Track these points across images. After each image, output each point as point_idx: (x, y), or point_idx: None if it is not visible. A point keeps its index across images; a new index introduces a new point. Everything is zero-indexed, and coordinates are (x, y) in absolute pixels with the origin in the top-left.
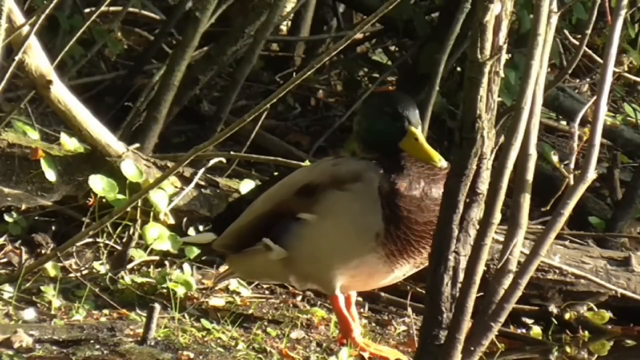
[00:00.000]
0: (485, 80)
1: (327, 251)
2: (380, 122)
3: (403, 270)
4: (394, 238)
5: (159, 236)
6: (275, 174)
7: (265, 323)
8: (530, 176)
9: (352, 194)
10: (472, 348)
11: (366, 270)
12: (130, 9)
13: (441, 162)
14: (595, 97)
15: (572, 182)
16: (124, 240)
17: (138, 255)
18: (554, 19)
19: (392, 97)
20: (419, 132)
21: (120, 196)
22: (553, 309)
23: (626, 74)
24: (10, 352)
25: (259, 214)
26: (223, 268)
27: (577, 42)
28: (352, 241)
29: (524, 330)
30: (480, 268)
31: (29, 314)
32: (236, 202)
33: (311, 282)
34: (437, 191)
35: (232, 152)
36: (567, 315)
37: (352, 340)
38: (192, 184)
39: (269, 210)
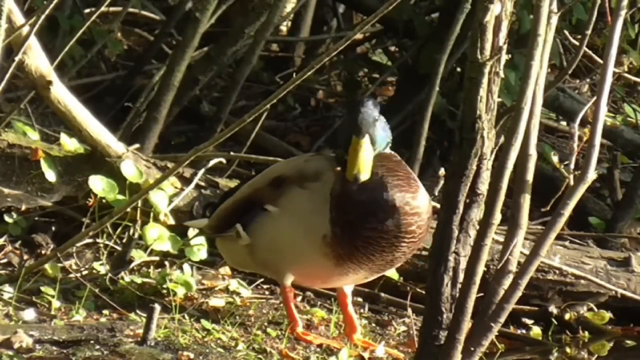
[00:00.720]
0: (485, 80)
1: (281, 245)
2: (343, 125)
3: (361, 273)
4: (340, 242)
5: (159, 237)
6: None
7: (265, 323)
8: (530, 177)
9: (309, 193)
10: (472, 348)
11: (317, 270)
12: (130, 10)
13: (357, 176)
14: (595, 98)
15: (572, 183)
16: (124, 240)
17: (138, 256)
18: (554, 20)
19: (360, 102)
20: (362, 143)
21: (120, 197)
22: (553, 309)
23: (626, 75)
24: (10, 353)
25: (237, 199)
26: (223, 268)
27: (577, 43)
28: (302, 240)
29: (524, 331)
30: (480, 268)
31: (29, 314)
32: (231, 189)
33: (269, 271)
34: (395, 198)
35: (232, 153)
36: (567, 316)
37: (295, 334)
38: (192, 185)
39: (246, 197)
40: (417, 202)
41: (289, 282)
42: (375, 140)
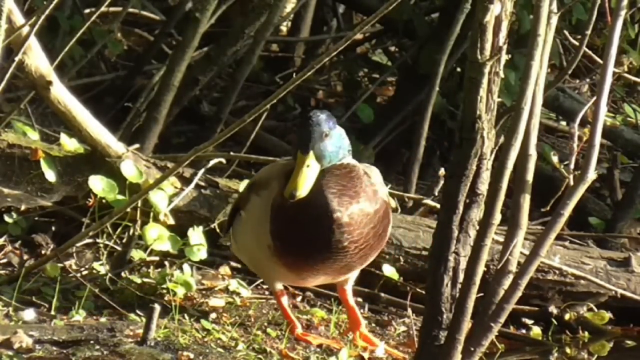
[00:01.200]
0: (485, 80)
1: (246, 250)
2: (294, 139)
3: (318, 278)
4: (282, 253)
5: (158, 237)
6: None
7: (265, 323)
8: (530, 177)
9: (259, 201)
10: (472, 348)
11: (278, 275)
12: (130, 10)
13: (294, 193)
14: (595, 98)
15: (572, 183)
16: (124, 240)
17: (138, 256)
18: (554, 20)
19: (310, 117)
20: (305, 159)
21: (120, 197)
22: (553, 309)
23: (626, 75)
24: (10, 353)
25: (233, 204)
26: (223, 268)
27: (577, 43)
28: (255, 247)
29: (524, 331)
30: (480, 269)
31: (29, 314)
32: None
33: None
34: (327, 214)
35: (232, 153)
36: (567, 316)
37: (296, 336)
38: (192, 185)
39: (235, 202)
40: (347, 218)
41: (276, 286)
42: (323, 155)
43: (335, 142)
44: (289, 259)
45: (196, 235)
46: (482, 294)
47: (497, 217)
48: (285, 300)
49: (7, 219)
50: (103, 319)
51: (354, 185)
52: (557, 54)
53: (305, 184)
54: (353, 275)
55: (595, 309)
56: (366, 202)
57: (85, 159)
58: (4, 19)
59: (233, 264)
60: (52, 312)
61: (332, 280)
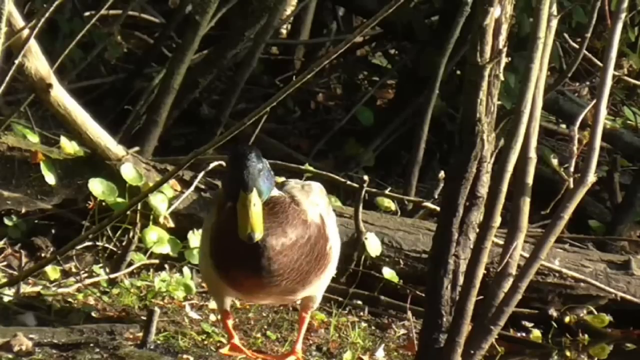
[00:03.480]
0: (485, 83)
1: (200, 266)
2: (227, 177)
3: (267, 298)
4: (223, 274)
5: (158, 239)
6: None
7: (265, 326)
8: (530, 180)
9: (207, 219)
10: (471, 351)
11: (228, 291)
12: (130, 13)
13: (252, 235)
14: (595, 101)
15: (572, 186)
16: (124, 243)
17: (138, 259)
18: (554, 22)
19: (243, 155)
20: (250, 198)
21: (119, 199)
22: (553, 312)
23: (626, 78)
24: (10, 356)
25: None
26: None
27: (576, 46)
28: (204, 264)
29: (523, 334)
30: (480, 271)
31: (29, 317)
32: None
33: None
34: (269, 241)
35: None
36: (567, 319)
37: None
38: (192, 188)
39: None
40: (273, 250)
41: (224, 305)
42: (262, 191)
43: (268, 176)
44: (231, 280)
45: (196, 238)
46: (482, 297)
47: (497, 219)
48: (230, 322)
49: (6, 221)
50: (103, 322)
51: (278, 218)
52: (557, 56)
53: (259, 223)
54: (314, 300)
55: (595, 312)
56: (293, 232)
57: (85, 161)
58: (4, 21)
59: None
60: (52, 315)
61: (287, 301)
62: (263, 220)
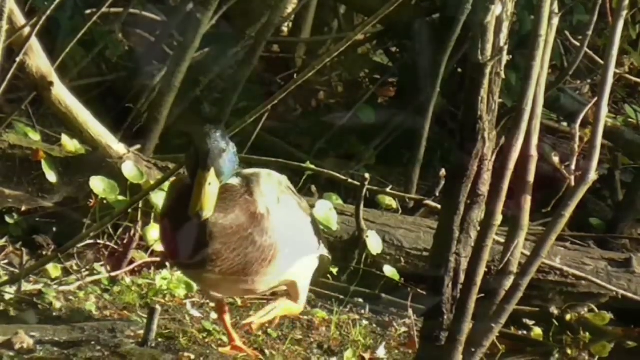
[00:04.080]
0: (486, 81)
1: None
2: (191, 154)
3: (223, 287)
4: (173, 260)
5: (159, 237)
6: None
7: (266, 325)
8: (531, 178)
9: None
10: (473, 349)
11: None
12: (131, 11)
13: (200, 214)
14: (596, 99)
15: (573, 184)
16: (125, 241)
17: (139, 257)
18: (555, 20)
19: (207, 134)
20: (207, 176)
21: (121, 197)
22: (554, 310)
23: (627, 75)
24: (11, 354)
25: None
26: None
27: (578, 44)
28: None
29: (524, 332)
30: (481, 269)
31: (30, 315)
32: None
33: None
34: (195, 229)
35: None
36: (568, 317)
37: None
38: None
39: None
40: (212, 229)
41: (212, 298)
42: (222, 172)
43: (232, 158)
44: (174, 259)
45: None
46: (483, 295)
47: (498, 218)
48: (227, 319)
49: (8, 219)
50: (104, 320)
51: (225, 204)
52: (558, 54)
53: (210, 203)
54: (294, 293)
55: (596, 310)
56: (235, 220)
57: (86, 159)
58: (5, 19)
59: None
60: (53, 313)
61: (250, 293)
62: (217, 202)
